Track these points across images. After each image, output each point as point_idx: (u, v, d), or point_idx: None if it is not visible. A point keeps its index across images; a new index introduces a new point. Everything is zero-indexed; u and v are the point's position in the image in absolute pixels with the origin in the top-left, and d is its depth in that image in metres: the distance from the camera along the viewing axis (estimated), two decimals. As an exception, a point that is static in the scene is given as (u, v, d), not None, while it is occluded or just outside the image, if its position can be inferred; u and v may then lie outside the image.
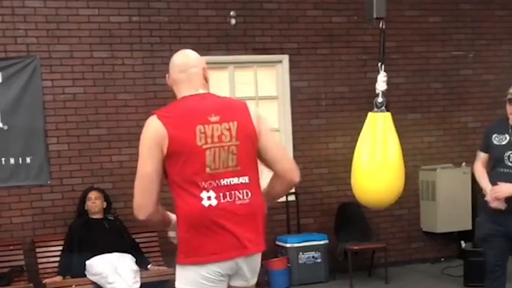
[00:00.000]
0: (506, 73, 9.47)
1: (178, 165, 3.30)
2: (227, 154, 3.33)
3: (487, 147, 5.58)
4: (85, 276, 7.07)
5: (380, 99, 5.31)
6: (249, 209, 3.37)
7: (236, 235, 3.32)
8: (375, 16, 5.38)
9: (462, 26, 9.27)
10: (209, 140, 3.30)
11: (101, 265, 6.95)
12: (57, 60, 7.60)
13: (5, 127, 7.40)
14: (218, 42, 8.19)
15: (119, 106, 7.85)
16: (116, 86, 7.83)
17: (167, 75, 3.57)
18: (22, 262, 7.31)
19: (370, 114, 5.27)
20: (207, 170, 3.30)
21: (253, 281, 3.52)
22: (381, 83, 5.38)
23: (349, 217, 8.48)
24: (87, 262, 7.06)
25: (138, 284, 6.89)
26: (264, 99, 8.54)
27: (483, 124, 9.09)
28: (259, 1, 8.35)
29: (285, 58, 8.42)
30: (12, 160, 7.44)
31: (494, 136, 5.52)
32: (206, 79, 3.53)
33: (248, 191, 3.37)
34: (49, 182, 7.60)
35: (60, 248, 7.32)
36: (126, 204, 7.83)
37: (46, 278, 7.18)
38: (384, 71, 5.28)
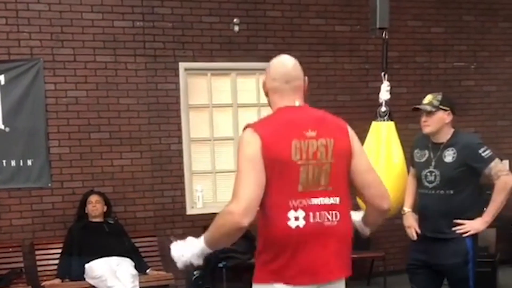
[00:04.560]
0: (507, 85, 9.51)
1: (268, 180, 3.08)
2: (321, 172, 3.13)
3: (413, 162, 5.05)
4: (84, 279, 7.08)
5: (383, 109, 5.26)
6: (336, 232, 3.18)
7: (321, 259, 3.15)
8: (378, 26, 5.40)
9: (464, 37, 9.29)
10: (304, 156, 3.11)
11: (100, 268, 6.95)
12: (61, 63, 7.62)
13: (7, 129, 7.41)
14: (221, 48, 8.21)
15: (122, 110, 7.87)
16: (119, 90, 7.84)
17: (264, 80, 3.39)
18: (21, 264, 7.31)
19: (373, 123, 5.27)
20: (299, 188, 3.10)
21: None
22: (385, 93, 5.35)
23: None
24: (86, 265, 7.06)
25: (137, 289, 6.92)
26: (266, 107, 8.36)
27: (484, 135, 9.10)
28: (262, 9, 8.37)
29: (288, 66, 8.42)
30: (13, 162, 7.45)
31: (416, 151, 4.98)
32: (305, 90, 3.35)
33: (337, 212, 3.17)
34: (49, 184, 7.61)
35: (60, 251, 7.32)
36: (126, 208, 7.88)
37: (45, 280, 7.19)
38: (387, 80, 5.29)
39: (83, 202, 7.47)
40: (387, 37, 5.45)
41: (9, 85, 7.39)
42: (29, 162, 7.51)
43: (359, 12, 8.41)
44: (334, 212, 3.17)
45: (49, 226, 7.61)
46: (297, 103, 3.28)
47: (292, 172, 3.10)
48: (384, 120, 5.26)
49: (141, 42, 7.90)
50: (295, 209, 3.10)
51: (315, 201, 3.13)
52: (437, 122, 4.81)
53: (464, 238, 4.78)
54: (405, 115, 8.80)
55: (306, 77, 3.36)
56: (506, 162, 9.12)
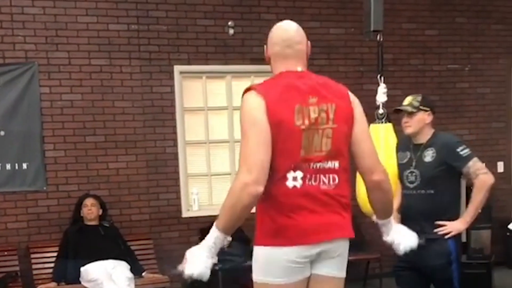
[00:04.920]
0: (501, 87, 9.53)
1: (272, 143, 3.07)
2: (322, 137, 3.14)
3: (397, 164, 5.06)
4: (79, 282, 7.08)
5: (381, 111, 5.33)
6: (332, 196, 3.17)
7: (319, 219, 3.13)
8: (372, 29, 5.43)
9: (458, 40, 9.32)
10: (306, 121, 3.11)
11: (96, 271, 6.95)
12: (55, 67, 7.62)
13: (2, 133, 7.41)
14: (216, 51, 8.22)
15: (117, 113, 7.87)
16: (113, 93, 7.85)
17: (265, 46, 3.38)
18: (17, 268, 7.31)
19: (371, 125, 5.31)
20: (302, 152, 3.10)
21: (340, 273, 3.30)
22: (381, 95, 5.41)
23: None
24: (82, 269, 7.06)
25: (133, 292, 6.92)
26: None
27: (479, 137, 9.16)
28: (257, 12, 8.39)
29: (283, 69, 8.44)
30: (8, 166, 7.45)
31: (399, 153, 5.03)
32: (307, 55, 3.36)
33: (335, 176, 3.17)
34: (45, 188, 7.61)
35: (55, 254, 7.32)
36: (121, 211, 7.88)
37: (41, 284, 7.17)
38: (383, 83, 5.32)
39: (79, 205, 7.47)
40: (381, 39, 5.48)
41: (4, 89, 7.39)
42: (24, 166, 7.50)
43: (353, 15, 8.42)
44: (332, 176, 3.17)
45: (45, 229, 7.61)
46: (299, 69, 3.28)
47: (294, 137, 3.09)
48: (382, 122, 5.30)
49: (136, 45, 7.91)
50: (294, 170, 3.10)
51: (315, 165, 3.13)
52: (418, 123, 4.88)
53: (446, 239, 4.79)
54: (400, 117, 8.89)
55: (309, 42, 3.37)
56: (500, 164, 9.16)
